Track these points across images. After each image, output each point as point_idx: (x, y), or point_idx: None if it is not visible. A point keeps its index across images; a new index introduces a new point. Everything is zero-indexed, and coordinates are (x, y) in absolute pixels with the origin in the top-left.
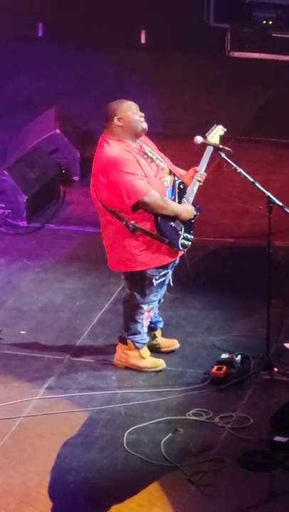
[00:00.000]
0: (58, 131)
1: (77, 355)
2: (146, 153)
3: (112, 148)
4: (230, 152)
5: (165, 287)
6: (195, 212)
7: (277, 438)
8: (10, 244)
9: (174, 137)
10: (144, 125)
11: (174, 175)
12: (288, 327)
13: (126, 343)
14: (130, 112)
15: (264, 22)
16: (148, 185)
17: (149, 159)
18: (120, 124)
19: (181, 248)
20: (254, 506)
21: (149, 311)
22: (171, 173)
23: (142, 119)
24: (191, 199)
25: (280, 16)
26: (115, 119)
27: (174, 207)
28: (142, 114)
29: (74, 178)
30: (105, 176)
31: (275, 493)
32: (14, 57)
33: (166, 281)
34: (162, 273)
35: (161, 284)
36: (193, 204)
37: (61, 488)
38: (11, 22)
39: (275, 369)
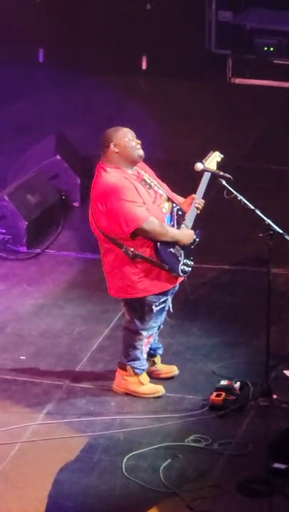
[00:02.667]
0: (58, 157)
1: (76, 381)
2: (144, 180)
3: (110, 175)
4: (230, 179)
5: (165, 313)
6: (194, 237)
7: (276, 465)
8: (10, 269)
9: (174, 163)
10: (141, 152)
11: (172, 201)
12: (287, 354)
13: (125, 369)
14: (126, 139)
15: (265, 49)
16: (147, 212)
17: (147, 186)
18: (116, 151)
19: (181, 274)
20: None
21: (149, 338)
22: (169, 199)
23: (139, 146)
24: (190, 225)
25: (281, 42)
26: (111, 146)
27: (173, 233)
28: (139, 142)
29: (74, 204)
30: (104, 204)
31: None
32: (15, 82)
33: (166, 308)
34: (162, 299)
35: (161, 310)
36: (192, 229)
37: None
38: (12, 47)
39: (274, 396)
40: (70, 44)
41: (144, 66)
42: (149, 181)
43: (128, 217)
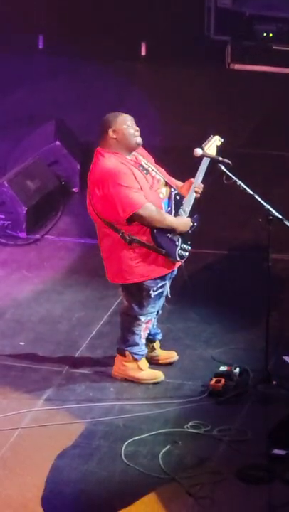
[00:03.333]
0: (57, 143)
1: (75, 367)
2: (141, 165)
3: (108, 160)
4: (229, 164)
5: (163, 299)
6: (191, 224)
7: (276, 451)
8: (9, 255)
9: (173, 149)
10: (139, 139)
11: (170, 186)
12: (287, 340)
13: (124, 355)
14: (125, 126)
15: (264, 35)
16: (144, 198)
17: (145, 171)
18: (114, 137)
19: (178, 259)
20: None
21: (147, 323)
22: (166, 184)
23: (137, 133)
24: (188, 210)
25: (281, 28)
26: (110, 131)
27: (170, 220)
28: (137, 129)
29: (74, 189)
30: (101, 189)
31: (273, 506)
32: (15, 70)
33: (164, 293)
34: (160, 284)
35: (159, 295)
36: (191, 215)
37: (59, 499)
38: (11, 34)
39: (274, 382)
40: (69, 31)
41: (143, 52)
42: (146, 166)
43: (124, 202)
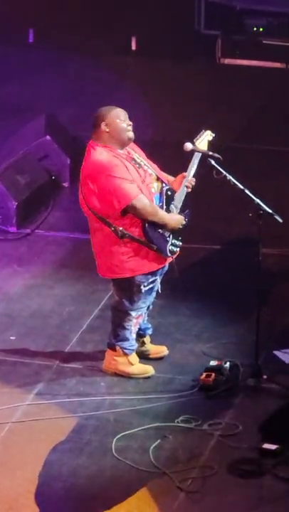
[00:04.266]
0: (48, 137)
1: (66, 362)
2: (134, 159)
3: (100, 154)
4: (220, 159)
5: (154, 294)
6: (183, 222)
7: (266, 445)
8: None
9: (164, 144)
10: (131, 134)
11: (162, 181)
12: (278, 334)
13: (115, 350)
14: (118, 120)
15: (255, 29)
16: (137, 189)
17: (137, 165)
18: (107, 130)
19: (169, 254)
20: None
21: (138, 318)
22: (158, 179)
23: (130, 128)
24: (179, 205)
25: (271, 23)
26: (102, 125)
27: (162, 215)
28: (130, 123)
29: (64, 184)
30: (94, 182)
31: (264, 501)
32: (5, 64)
33: (155, 288)
34: (151, 279)
35: (150, 290)
36: (182, 210)
37: (50, 494)
38: (1, 28)
39: (264, 376)
40: (60, 25)
41: (133, 47)
42: (138, 160)
43: (119, 193)
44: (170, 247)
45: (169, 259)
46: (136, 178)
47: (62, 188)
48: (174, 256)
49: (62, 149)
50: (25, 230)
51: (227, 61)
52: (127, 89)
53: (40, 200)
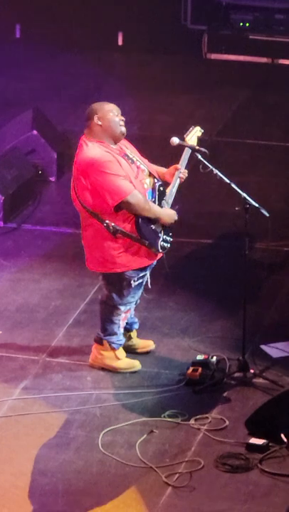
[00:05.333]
0: (34, 132)
1: (52, 356)
2: (126, 155)
3: (92, 149)
4: (206, 153)
5: (142, 288)
6: (176, 218)
7: (253, 440)
8: None
9: (150, 138)
10: (123, 129)
11: (154, 177)
12: (264, 328)
13: (102, 344)
14: (111, 114)
15: (241, 24)
16: (131, 185)
17: (130, 160)
18: (100, 123)
19: (160, 250)
20: (230, 508)
21: (126, 312)
22: (150, 175)
23: (122, 123)
24: (171, 201)
25: (257, 18)
26: (95, 118)
27: (155, 210)
28: (123, 118)
29: (50, 178)
30: (87, 178)
31: (250, 495)
32: None
33: (144, 283)
34: (141, 275)
35: (139, 285)
36: (172, 206)
37: (36, 489)
38: None
39: (251, 371)
40: (46, 20)
41: (120, 42)
42: (131, 156)
43: (112, 190)
44: (161, 243)
45: (160, 255)
46: (129, 173)
47: (49, 182)
48: (165, 252)
49: (49, 144)
50: (12, 224)
51: (213, 56)
52: (113, 83)
53: (27, 195)
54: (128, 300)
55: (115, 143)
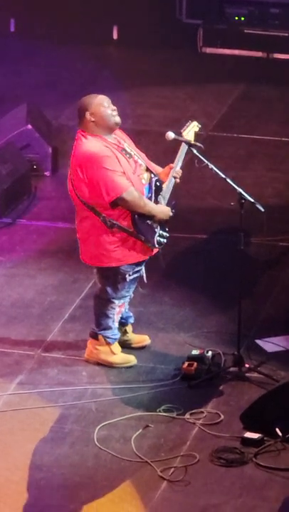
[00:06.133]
0: (29, 126)
1: (48, 351)
2: (124, 149)
3: (91, 143)
4: (201, 148)
5: (136, 283)
6: (171, 214)
7: (248, 434)
8: None
9: (145, 133)
10: (117, 119)
11: (151, 172)
12: (259, 323)
13: (97, 339)
14: (102, 108)
15: (236, 18)
16: (127, 182)
17: (128, 155)
18: (93, 119)
19: (156, 246)
20: (225, 502)
21: (120, 307)
22: (147, 170)
23: (115, 113)
24: (167, 196)
25: (252, 12)
26: (87, 115)
27: (151, 207)
28: (114, 108)
29: (45, 173)
30: (84, 172)
31: (245, 489)
32: None
33: (138, 277)
34: (136, 269)
35: (134, 280)
36: (169, 201)
37: (32, 483)
38: None
39: (246, 365)
40: (41, 14)
41: (115, 36)
42: (128, 150)
43: (109, 185)
44: (158, 238)
45: (156, 251)
46: (127, 169)
47: (44, 177)
48: (161, 247)
49: (43, 138)
50: (7, 219)
51: (208, 50)
52: (108, 78)
53: (22, 190)
54: (122, 294)
55: (111, 133)
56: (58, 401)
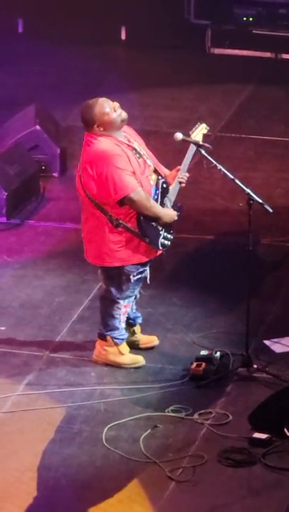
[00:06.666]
0: (37, 127)
1: (56, 352)
2: (134, 149)
3: (103, 143)
4: (210, 149)
5: (141, 283)
6: (175, 218)
7: (256, 435)
8: None
9: (154, 134)
10: (123, 115)
11: (158, 173)
12: (268, 324)
13: (105, 340)
14: (106, 115)
15: (244, 19)
16: (136, 182)
17: (138, 155)
18: (102, 129)
19: (160, 248)
20: (233, 502)
21: (126, 307)
22: (155, 171)
23: (119, 111)
24: (173, 198)
25: (261, 13)
26: (95, 127)
27: (157, 209)
28: (116, 106)
29: (54, 174)
30: (94, 168)
31: (253, 490)
32: None
33: (143, 278)
34: (140, 269)
35: (139, 280)
36: (175, 203)
37: (40, 483)
38: None
39: (255, 366)
40: (49, 14)
41: (123, 36)
42: (139, 150)
43: (117, 184)
44: (162, 240)
45: (160, 252)
46: (136, 169)
47: (52, 178)
48: (165, 249)
49: (52, 139)
50: (15, 220)
51: (217, 51)
52: (116, 78)
53: (30, 191)
54: (127, 294)
55: (120, 129)
56: (67, 401)
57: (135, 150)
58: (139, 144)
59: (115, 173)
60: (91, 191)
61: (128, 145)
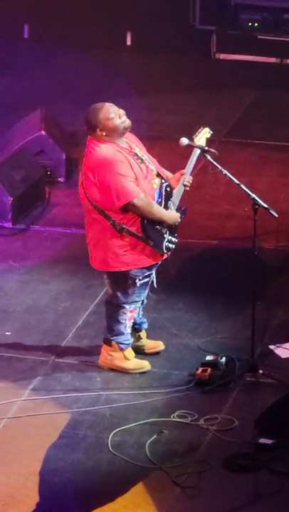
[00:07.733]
0: (43, 132)
1: (62, 357)
2: (136, 154)
3: (104, 149)
4: (215, 154)
5: (148, 288)
6: (179, 220)
7: (262, 440)
8: None
9: (159, 139)
10: (126, 123)
11: (161, 177)
12: (273, 329)
13: (110, 345)
14: (111, 121)
15: (250, 24)
16: (138, 188)
17: (139, 160)
18: (104, 134)
19: (165, 251)
20: (238, 508)
21: (132, 312)
22: (158, 175)
23: (124, 118)
24: (177, 201)
25: (266, 18)
26: (98, 131)
27: (160, 212)
28: (122, 113)
29: (59, 179)
30: (96, 175)
31: (259, 495)
32: (0, 59)
33: (149, 282)
34: (146, 274)
35: (145, 284)
36: (179, 207)
37: (46, 489)
38: None
39: (260, 371)
40: (55, 20)
41: (128, 42)
42: (140, 155)
43: (120, 191)
44: (166, 244)
45: (165, 256)
46: (138, 174)
47: (57, 183)
48: (170, 253)
49: (57, 144)
50: (21, 225)
51: (222, 56)
52: (122, 84)
53: (36, 196)
54: (133, 299)
55: (122, 137)
56: (72, 407)
57: (137, 155)
58: (140, 149)
59: (117, 180)
60: (93, 197)
61: (129, 151)
